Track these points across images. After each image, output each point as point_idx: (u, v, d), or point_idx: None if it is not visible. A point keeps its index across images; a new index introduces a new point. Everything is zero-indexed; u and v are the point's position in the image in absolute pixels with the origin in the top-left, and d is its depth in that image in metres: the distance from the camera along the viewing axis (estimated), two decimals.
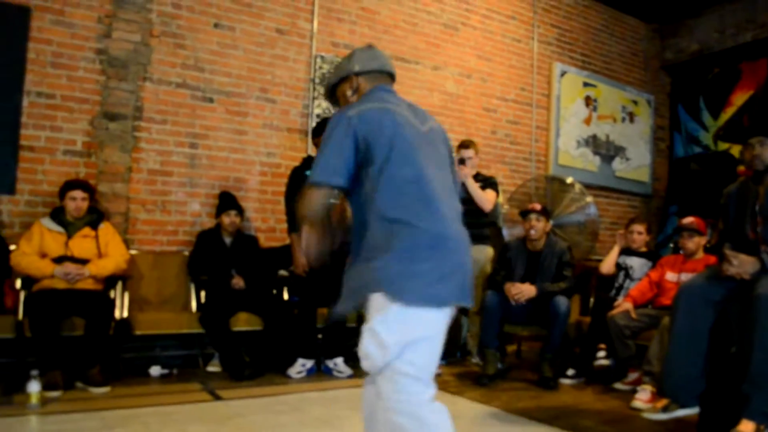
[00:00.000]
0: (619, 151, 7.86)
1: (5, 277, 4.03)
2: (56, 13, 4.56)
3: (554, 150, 7.22)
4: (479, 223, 4.92)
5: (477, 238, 4.91)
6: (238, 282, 4.55)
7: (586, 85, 7.56)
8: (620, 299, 4.60)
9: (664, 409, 3.45)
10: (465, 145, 5.09)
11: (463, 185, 4.87)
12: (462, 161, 4.95)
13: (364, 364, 1.96)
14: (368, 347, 1.92)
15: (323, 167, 2.01)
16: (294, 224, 4.46)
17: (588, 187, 6.70)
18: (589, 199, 6.31)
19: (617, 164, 7.85)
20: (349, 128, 2.02)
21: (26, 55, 4.45)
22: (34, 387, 3.37)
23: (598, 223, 6.41)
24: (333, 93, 2.35)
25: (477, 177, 5.06)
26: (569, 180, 6.48)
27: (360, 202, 2.07)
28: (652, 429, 3.35)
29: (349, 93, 2.27)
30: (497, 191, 5.11)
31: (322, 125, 4.52)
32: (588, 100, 7.58)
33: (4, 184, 4.38)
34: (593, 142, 7.60)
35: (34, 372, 3.40)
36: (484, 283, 4.95)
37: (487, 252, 5.04)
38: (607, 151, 7.73)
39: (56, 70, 4.55)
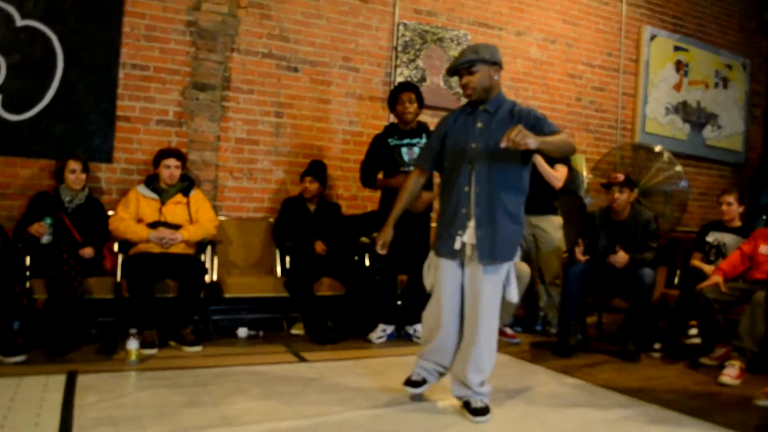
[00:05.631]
0: (710, 118, 7.54)
1: (104, 241, 4.25)
2: None
3: (641, 117, 6.99)
4: (547, 195, 4.93)
5: (545, 209, 4.92)
6: (320, 247, 4.64)
7: (677, 49, 7.25)
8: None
9: None
10: None
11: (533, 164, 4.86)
12: None
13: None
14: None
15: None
16: (369, 182, 4.65)
17: (676, 156, 6.47)
18: (679, 168, 6.10)
19: (708, 132, 7.53)
20: None
21: (121, 29, 4.65)
22: (133, 344, 3.58)
23: (686, 193, 6.20)
24: (472, 65, 2.86)
25: None
26: (658, 148, 6.28)
27: (508, 179, 2.85)
28: (740, 404, 3.27)
29: (495, 78, 2.90)
30: (568, 164, 5.05)
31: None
32: (679, 65, 7.27)
33: (102, 152, 4.62)
34: (683, 109, 7.31)
35: (133, 330, 3.61)
36: (559, 253, 4.91)
37: (555, 222, 5.01)
38: (697, 118, 7.42)
39: (149, 42, 4.73)
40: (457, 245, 2.89)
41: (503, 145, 2.57)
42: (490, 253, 2.82)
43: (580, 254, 4.46)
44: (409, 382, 3.10)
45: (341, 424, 2.71)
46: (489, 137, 2.85)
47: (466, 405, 2.90)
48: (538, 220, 4.97)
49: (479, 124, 2.91)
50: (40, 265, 3.84)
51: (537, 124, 2.79)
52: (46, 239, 3.95)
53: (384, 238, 3.15)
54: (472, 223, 2.86)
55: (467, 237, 2.86)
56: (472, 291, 2.88)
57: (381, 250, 3.17)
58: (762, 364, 3.83)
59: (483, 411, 2.85)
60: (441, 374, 3.11)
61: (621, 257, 4.33)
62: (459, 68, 2.89)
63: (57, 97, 4.48)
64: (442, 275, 2.97)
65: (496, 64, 2.89)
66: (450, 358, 3.02)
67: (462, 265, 2.93)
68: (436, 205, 3.78)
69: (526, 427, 2.82)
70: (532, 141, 2.53)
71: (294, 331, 4.70)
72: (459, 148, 2.94)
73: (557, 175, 4.89)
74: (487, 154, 2.84)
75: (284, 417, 2.76)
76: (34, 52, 4.41)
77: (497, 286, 2.88)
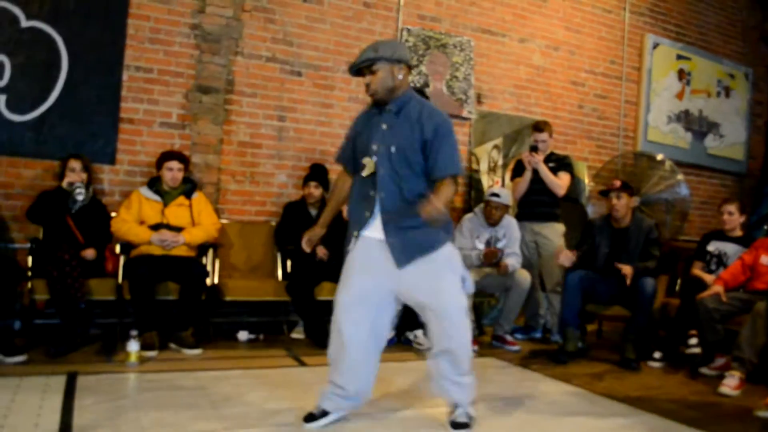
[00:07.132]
0: (712, 127, 7.54)
1: (106, 242, 4.26)
2: None
3: (644, 125, 6.99)
4: (550, 202, 4.98)
5: (547, 216, 4.94)
6: (322, 252, 4.64)
7: (679, 57, 7.26)
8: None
9: None
10: (539, 128, 5.03)
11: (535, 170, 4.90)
12: (534, 148, 4.93)
13: (469, 289, 2.75)
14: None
15: (459, 161, 2.72)
16: None
17: (678, 164, 6.47)
18: (680, 177, 6.10)
19: (710, 141, 7.53)
20: None
21: (126, 31, 4.66)
22: (133, 346, 3.59)
23: (688, 202, 6.20)
24: (372, 64, 2.66)
25: (550, 157, 5.03)
26: (659, 157, 6.28)
27: (416, 182, 2.65)
28: (740, 415, 3.27)
29: (399, 77, 2.70)
30: (571, 172, 5.07)
31: None
32: (681, 74, 7.28)
33: (105, 154, 4.64)
34: (685, 118, 7.31)
35: (134, 332, 3.62)
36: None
37: (557, 229, 5.04)
38: (699, 127, 7.43)
39: (153, 45, 4.75)
40: (351, 246, 2.78)
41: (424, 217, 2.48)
42: (406, 256, 2.65)
43: (566, 259, 4.42)
44: (308, 417, 2.78)
45: (340, 430, 2.71)
46: (392, 139, 2.68)
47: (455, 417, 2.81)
48: (541, 227, 4.97)
49: (384, 126, 2.72)
50: (42, 266, 3.85)
51: (432, 147, 2.66)
52: (79, 192, 4.07)
53: (309, 235, 2.99)
54: (378, 227, 2.69)
55: (376, 236, 2.70)
56: (412, 293, 2.74)
57: (305, 247, 3.00)
58: (762, 374, 3.83)
59: (465, 424, 2.78)
60: (343, 398, 2.79)
61: (626, 270, 4.30)
62: (361, 68, 2.72)
63: (61, 98, 4.50)
64: (349, 278, 2.80)
65: (400, 62, 2.69)
66: (353, 377, 2.78)
67: (380, 270, 2.71)
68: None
69: None
70: (442, 210, 2.48)
71: (294, 335, 4.70)
72: (364, 150, 2.75)
73: (560, 183, 4.91)
74: (389, 157, 2.66)
75: (283, 422, 2.77)
76: (38, 53, 4.42)
77: (447, 278, 2.71)
